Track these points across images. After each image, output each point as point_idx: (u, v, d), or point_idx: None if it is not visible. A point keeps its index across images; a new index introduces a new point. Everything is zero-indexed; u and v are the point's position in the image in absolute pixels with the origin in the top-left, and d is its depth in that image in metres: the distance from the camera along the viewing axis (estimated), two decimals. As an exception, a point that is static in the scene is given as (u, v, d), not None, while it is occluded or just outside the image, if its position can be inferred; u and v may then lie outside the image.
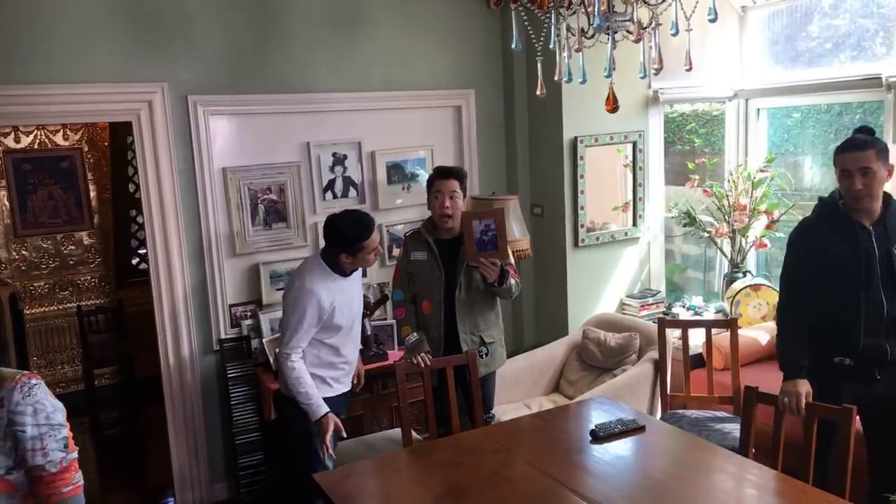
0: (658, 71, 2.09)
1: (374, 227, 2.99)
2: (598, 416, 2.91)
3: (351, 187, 4.09)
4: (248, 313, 3.87)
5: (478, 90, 4.39)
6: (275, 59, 3.80)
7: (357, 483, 2.56)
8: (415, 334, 3.30)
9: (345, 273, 3.01)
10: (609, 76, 2.11)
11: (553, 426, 2.91)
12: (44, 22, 3.30)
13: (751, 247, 4.49)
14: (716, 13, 1.89)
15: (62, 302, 5.67)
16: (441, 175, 3.29)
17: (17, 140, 5.44)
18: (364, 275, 4.09)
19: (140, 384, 5.43)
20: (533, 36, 2.33)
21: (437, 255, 3.30)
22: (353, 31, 3.98)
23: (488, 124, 4.46)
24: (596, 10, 1.92)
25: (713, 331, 3.64)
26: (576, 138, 4.22)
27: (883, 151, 2.62)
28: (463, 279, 3.28)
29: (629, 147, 4.44)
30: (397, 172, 4.21)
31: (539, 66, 2.31)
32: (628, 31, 2.06)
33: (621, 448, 2.65)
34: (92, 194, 5.72)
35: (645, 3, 1.98)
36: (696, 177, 4.58)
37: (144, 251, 3.73)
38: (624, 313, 4.47)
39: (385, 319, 4.09)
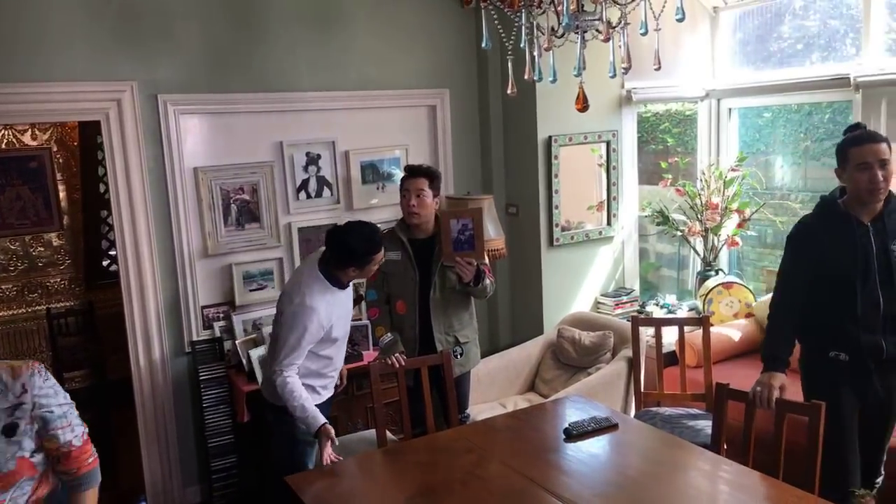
0: (627, 70, 2.09)
1: (381, 249, 2.94)
2: (572, 415, 2.92)
3: (325, 187, 4.06)
4: (221, 315, 3.83)
5: (452, 90, 4.38)
6: (247, 59, 3.76)
7: (329, 484, 2.54)
8: (389, 335, 3.28)
9: (343, 286, 2.95)
10: (579, 75, 2.11)
11: (527, 425, 2.91)
12: (8, 19, 3.24)
13: (723, 245, 4.53)
14: (683, 13, 1.90)
15: (31, 304, 5.56)
16: (409, 173, 3.29)
17: (-16, 140, 5.34)
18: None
19: (111, 387, 5.35)
20: (504, 35, 2.32)
21: (411, 254, 3.29)
22: (325, 30, 3.96)
23: (463, 124, 4.46)
24: (565, 9, 1.92)
25: (686, 328, 3.67)
26: (550, 138, 4.23)
27: (890, 145, 2.61)
28: (437, 279, 3.27)
29: (603, 146, 4.46)
30: (372, 172, 4.19)
31: (510, 65, 2.31)
32: (598, 31, 2.07)
33: (595, 446, 2.65)
34: (61, 195, 5.62)
35: (614, 2, 1.98)
36: (669, 176, 4.62)
37: (115, 252, 3.66)
38: (598, 312, 4.49)
39: (360, 320, 4.06)
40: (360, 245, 2.85)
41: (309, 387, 2.88)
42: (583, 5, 2.07)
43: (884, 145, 2.58)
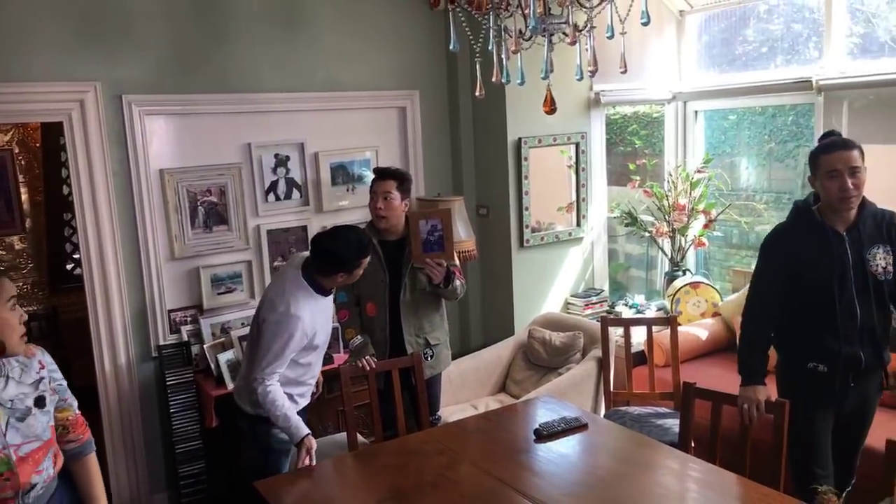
0: (593, 73, 2.11)
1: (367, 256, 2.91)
2: (542, 416, 2.93)
3: (294, 189, 4.03)
4: (189, 319, 3.78)
5: (422, 91, 4.38)
6: (214, 59, 3.72)
7: (299, 488, 2.52)
8: (359, 337, 3.27)
9: (327, 292, 2.90)
10: (546, 78, 2.12)
11: (498, 426, 2.92)
12: (-34, 17, 3.16)
13: (690, 245, 4.60)
14: (648, 17, 1.92)
15: (-7, 309, 5.44)
16: (377, 175, 3.28)
17: (-58, 141, 5.21)
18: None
19: (76, 393, 5.23)
20: (472, 38, 2.33)
21: (381, 256, 3.28)
22: (295, 30, 3.93)
23: (433, 125, 4.46)
24: (532, 12, 1.93)
25: (654, 328, 3.72)
26: (520, 139, 4.25)
27: (862, 153, 2.57)
28: (407, 281, 3.27)
29: (572, 148, 4.50)
30: (341, 174, 4.17)
31: (478, 67, 2.32)
32: (564, 34, 2.08)
33: (564, 446, 2.67)
34: (23, 197, 5.49)
35: (580, 5, 2.00)
36: (638, 177, 4.67)
37: (79, 256, 3.60)
38: (569, 312, 4.52)
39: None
40: (349, 251, 2.81)
41: (288, 395, 2.82)
42: (549, 8, 2.08)
43: (855, 152, 2.54)
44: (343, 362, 3.41)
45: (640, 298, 4.74)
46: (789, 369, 2.75)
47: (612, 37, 1.98)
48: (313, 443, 2.69)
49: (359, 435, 3.24)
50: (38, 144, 5.49)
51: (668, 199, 4.54)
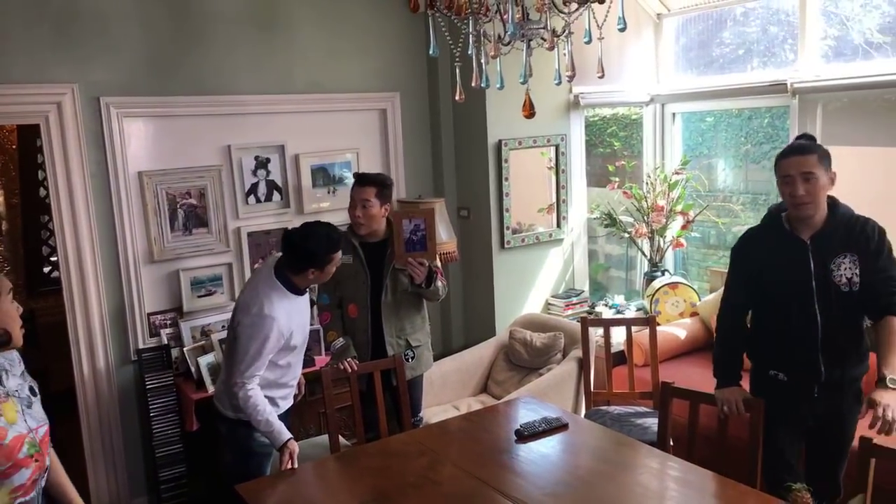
0: (571, 78, 2.13)
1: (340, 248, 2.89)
2: (523, 416, 2.95)
3: (275, 191, 4.02)
4: (168, 322, 3.76)
5: (403, 93, 4.39)
6: (193, 60, 3.70)
7: (281, 491, 2.52)
8: (341, 339, 3.27)
9: (301, 291, 2.88)
10: (524, 83, 2.14)
11: (479, 427, 2.94)
12: (-60, 18, 3.13)
13: (668, 246, 4.65)
14: (625, 23, 1.95)
15: (-32, 313, 5.37)
16: (357, 181, 3.28)
17: (-85, 143, 5.13)
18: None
19: (54, 398, 5.18)
20: (451, 42, 2.35)
21: (363, 258, 3.28)
22: (274, 32, 3.92)
23: (414, 127, 4.47)
24: (511, 17, 1.94)
25: (634, 328, 3.76)
26: (500, 141, 4.28)
27: (825, 157, 2.50)
28: (389, 282, 3.28)
29: (552, 150, 4.53)
30: (322, 176, 4.16)
31: (457, 71, 2.33)
32: (543, 39, 2.10)
33: (545, 446, 2.69)
34: (-1, 199, 5.45)
35: (558, 11, 2.02)
36: (617, 179, 4.71)
37: (56, 258, 3.56)
38: (549, 313, 4.56)
39: (312, 325, 4.03)
40: (319, 246, 2.79)
41: (268, 398, 2.81)
42: (528, 14, 2.10)
43: (811, 157, 2.48)
44: (325, 364, 3.41)
45: (619, 299, 4.79)
46: (755, 376, 2.77)
47: (589, 42, 2.00)
48: (295, 447, 2.69)
49: (341, 437, 3.25)
50: (14, 146, 5.43)
51: (646, 201, 4.59)
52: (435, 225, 3.21)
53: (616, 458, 2.62)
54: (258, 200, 3.96)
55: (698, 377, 3.65)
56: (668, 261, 4.83)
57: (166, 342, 3.72)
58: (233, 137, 3.85)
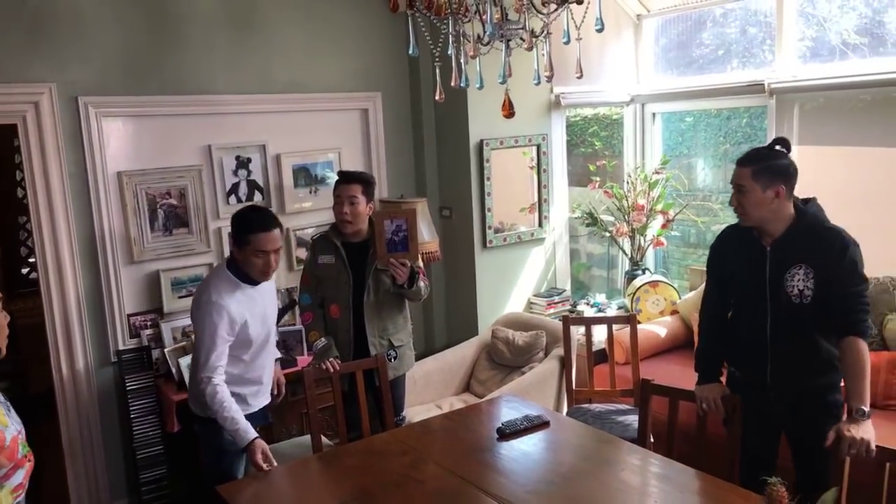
0: (550, 78, 2.15)
1: (271, 226, 2.75)
2: (505, 414, 2.96)
3: (256, 191, 4.01)
4: (149, 323, 3.73)
5: (384, 93, 4.39)
6: (172, 60, 3.68)
7: (262, 491, 2.51)
8: (323, 339, 3.27)
9: (253, 281, 2.85)
10: (504, 83, 2.16)
11: (461, 426, 2.95)
12: (-86, 17, 3.08)
13: (649, 245, 4.69)
14: (602, 24, 1.97)
15: (-56, 315, 5.29)
16: (341, 180, 3.28)
17: None
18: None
19: (34, 400, 5.13)
20: (431, 42, 2.36)
21: (345, 258, 3.28)
22: (255, 32, 3.91)
23: (396, 127, 4.47)
24: (490, 18, 1.96)
25: (615, 327, 3.78)
26: (482, 141, 4.29)
27: (764, 171, 2.46)
28: (371, 282, 3.28)
29: (534, 150, 4.55)
30: (304, 175, 4.16)
31: (437, 71, 2.34)
32: (522, 39, 2.12)
33: (527, 444, 2.71)
34: (-24, 200, 5.38)
35: (537, 12, 2.03)
36: (598, 178, 4.74)
37: (35, 259, 3.53)
38: (531, 312, 4.58)
39: (294, 325, 4.03)
40: (241, 219, 2.77)
41: (237, 395, 2.81)
42: (507, 15, 2.11)
43: (744, 170, 2.49)
44: (306, 365, 3.40)
45: (601, 297, 4.82)
46: (729, 370, 2.82)
47: (568, 42, 2.02)
48: (262, 446, 2.65)
49: (323, 437, 3.24)
50: (-10, 146, 5.36)
51: (627, 200, 4.62)
52: (417, 225, 3.22)
53: (597, 456, 2.65)
54: (239, 200, 3.94)
55: (679, 374, 3.69)
56: (649, 259, 4.88)
57: (147, 343, 3.69)
58: (213, 137, 3.83)
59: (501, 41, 2.11)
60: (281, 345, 3.87)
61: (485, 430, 2.86)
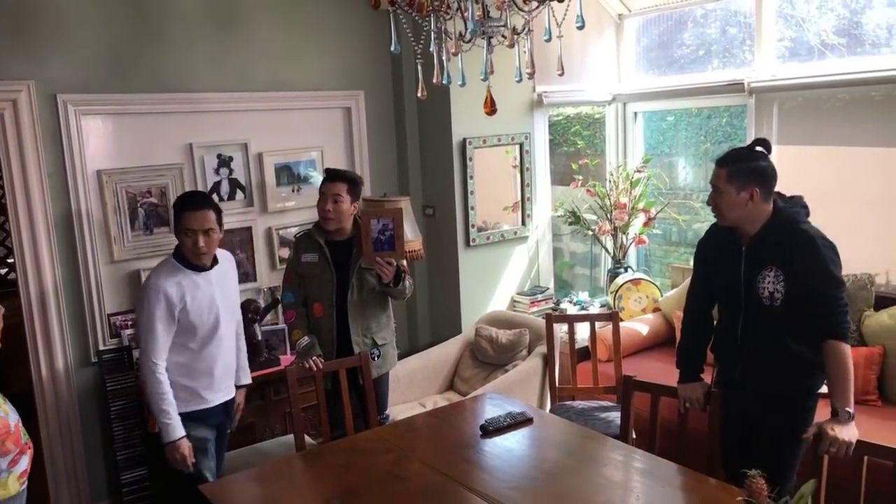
0: (531, 75, 2.16)
1: (198, 205, 2.79)
2: (489, 411, 2.97)
3: (238, 189, 3.99)
4: (130, 322, 3.70)
5: (367, 91, 4.38)
6: (152, 58, 3.65)
7: (245, 491, 2.50)
8: (306, 338, 3.25)
9: (197, 268, 2.84)
10: (486, 79, 2.16)
11: (445, 423, 2.95)
12: None
13: (631, 243, 4.72)
14: (583, 21, 1.98)
15: (-80, 317, 5.21)
16: (327, 177, 3.28)
17: None
18: (254, 279, 4.03)
19: (13, 401, 5.06)
20: (413, 39, 2.36)
21: (328, 257, 3.27)
22: (235, 30, 3.89)
23: (379, 126, 4.47)
24: (471, 15, 1.96)
25: (597, 324, 3.80)
26: (465, 140, 4.30)
27: (739, 173, 2.45)
28: (355, 281, 3.27)
29: (516, 148, 4.56)
30: (286, 174, 4.14)
31: (419, 68, 2.34)
32: (503, 36, 2.13)
33: (510, 441, 2.72)
34: (-48, 200, 5.30)
35: (518, 9, 2.04)
36: (580, 177, 4.77)
37: (13, 259, 3.49)
38: (515, 310, 4.59)
39: (276, 324, 4.01)
40: (184, 196, 2.90)
41: (190, 389, 2.82)
42: (488, 12, 2.12)
43: (721, 171, 2.49)
44: (290, 363, 3.39)
45: (584, 296, 4.84)
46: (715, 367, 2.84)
47: (549, 40, 2.03)
48: (182, 448, 2.70)
49: (307, 437, 3.23)
50: (-33, 145, 5.28)
51: (609, 198, 4.65)
52: (403, 224, 3.21)
53: (580, 452, 2.66)
54: (221, 199, 3.92)
55: (661, 371, 3.72)
56: (631, 258, 4.91)
57: (127, 343, 3.66)
58: (194, 135, 3.81)
59: (483, 38, 2.12)
60: (263, 345, 3.85)
61: (468, 428, 2.86)
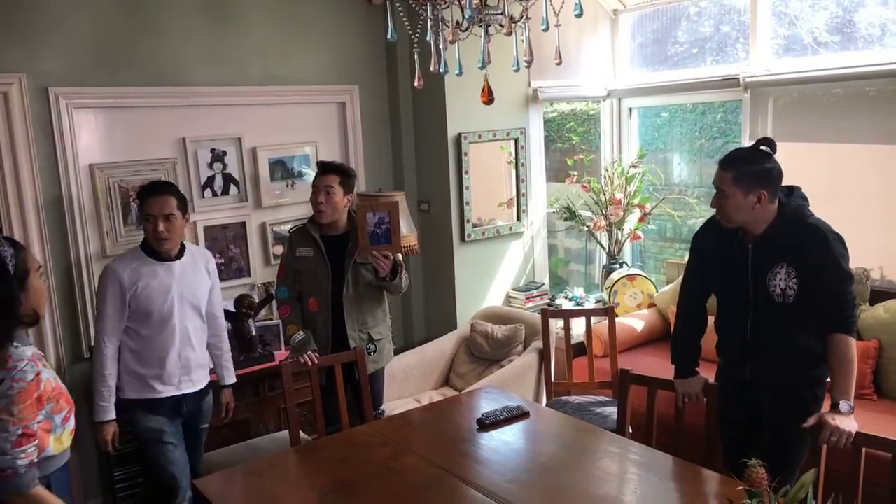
0: (529, 63, 2.15)
1: (158, 190, 2.85)
2: (485, 406, 2.96)
3: (231, 184, 3.96)
4: (123, 318, 3.67)
5: (362, 86, 4.36)
6: (145, 51, 3.62)
7: (240, 486, 2.49)
8: (301, 333, 3.23)
9: (160, 257, 2.87)
10: (483, 68, 2.15)
11: (441, 417, 2.94)
12: None
13: (626, 239, 4.72)
14: (581, 9, 1.96)
15: None
16: (320, 169, 3.27)
17: None
18: (248, 274, 4.00)
19: (3, 400, 5.03)
20: (410, 28, 2.34)
21: (323, 251, 3.25)
22: (229, 23, 3.86)
23: (373, 121, 4.45)
24: (468, 3, 1.95)
25: (593, 320, 3.80)
26: (460, 135, 4.29)
27: (746, 176, 2.40)
28: (350, 276, 3.25)
29: (512, 144, 4.55)
30: (280, 169, 4.12)
31: (416, 57, 2.33)
32: (500, 25, 2.12)
33: (507, 435, 2.71)
34: (-58, 196, 5.25)
35: (515, -3, 2.04)
36: (575, 173, 4.76)
37: (3, 255, 3.45)
38: (510, 306, 4.58)
39: (271, 319, 3.99)
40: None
41: (139, 376, 2.86)
42: (485, 0, 2.11)
43: (726, 174, 2.44)
44: (284, 358, 3.37)
45: (579, 291, 4.84)
46: (718, 363, 2.82)
47: (546, 29, 2.02)
48: (106, 432, 2.83)
49: (301, 432, 3.21)
50: (-43, 141, 5.24)
51: (604, 194, 4.65)
52: (399, 218, 3.20)
53: (577, 445, 2.65)
54: (214, 194, 3.90)
55: (656, 366, 3.71)
56: (626, 253, 4.90)
57: (120, 339, 3.63)
58: (187, 130, 3.78)
59: (480, 26, 2.11)
60: (257, 340, 3.83)
61: (465, 422, 2.85)
